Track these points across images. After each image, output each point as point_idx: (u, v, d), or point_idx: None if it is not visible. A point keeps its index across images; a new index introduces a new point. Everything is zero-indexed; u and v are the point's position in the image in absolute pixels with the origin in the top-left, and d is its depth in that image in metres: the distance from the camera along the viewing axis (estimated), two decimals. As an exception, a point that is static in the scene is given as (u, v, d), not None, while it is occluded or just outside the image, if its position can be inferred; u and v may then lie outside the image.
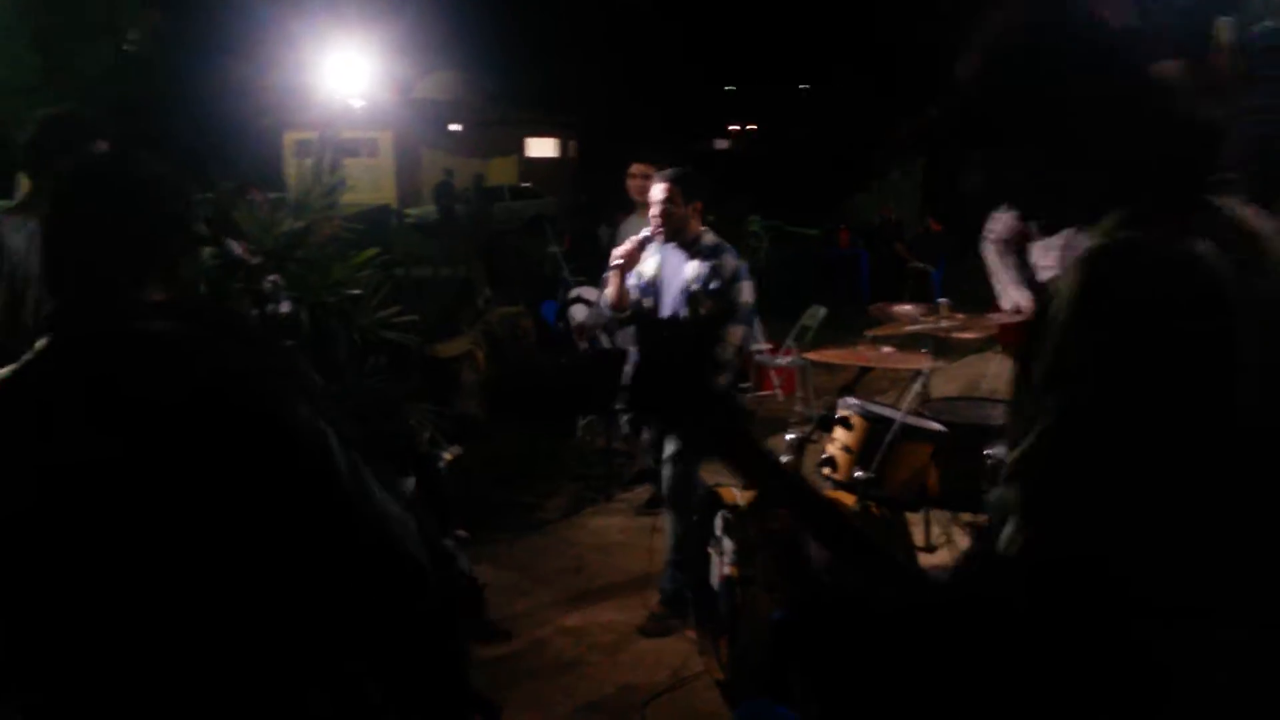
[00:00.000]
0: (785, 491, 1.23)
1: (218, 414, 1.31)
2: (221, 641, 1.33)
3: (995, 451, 3.15)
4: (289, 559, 1.35)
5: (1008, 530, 1.00)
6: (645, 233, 3.93)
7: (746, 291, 3.83)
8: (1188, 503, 0.95)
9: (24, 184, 3.19)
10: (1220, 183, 1.11)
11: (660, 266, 3.96)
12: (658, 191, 3.86)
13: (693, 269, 3.84)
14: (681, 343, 3.80)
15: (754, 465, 1.24)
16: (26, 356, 1.38)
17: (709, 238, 3.90)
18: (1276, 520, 0.99)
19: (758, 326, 5.04)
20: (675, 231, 3.86)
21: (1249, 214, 1.10)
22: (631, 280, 3.99)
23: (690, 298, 3.84)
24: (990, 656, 0.98)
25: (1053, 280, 1.06)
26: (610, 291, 4.03)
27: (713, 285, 3.79)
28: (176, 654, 1.32)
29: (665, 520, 3.97)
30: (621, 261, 3.93)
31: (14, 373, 1.38)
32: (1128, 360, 0.96)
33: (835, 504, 1.27)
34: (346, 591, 1.40)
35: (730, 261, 3.83)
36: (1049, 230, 1.22)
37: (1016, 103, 1.14)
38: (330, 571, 1.38)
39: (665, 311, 3.93)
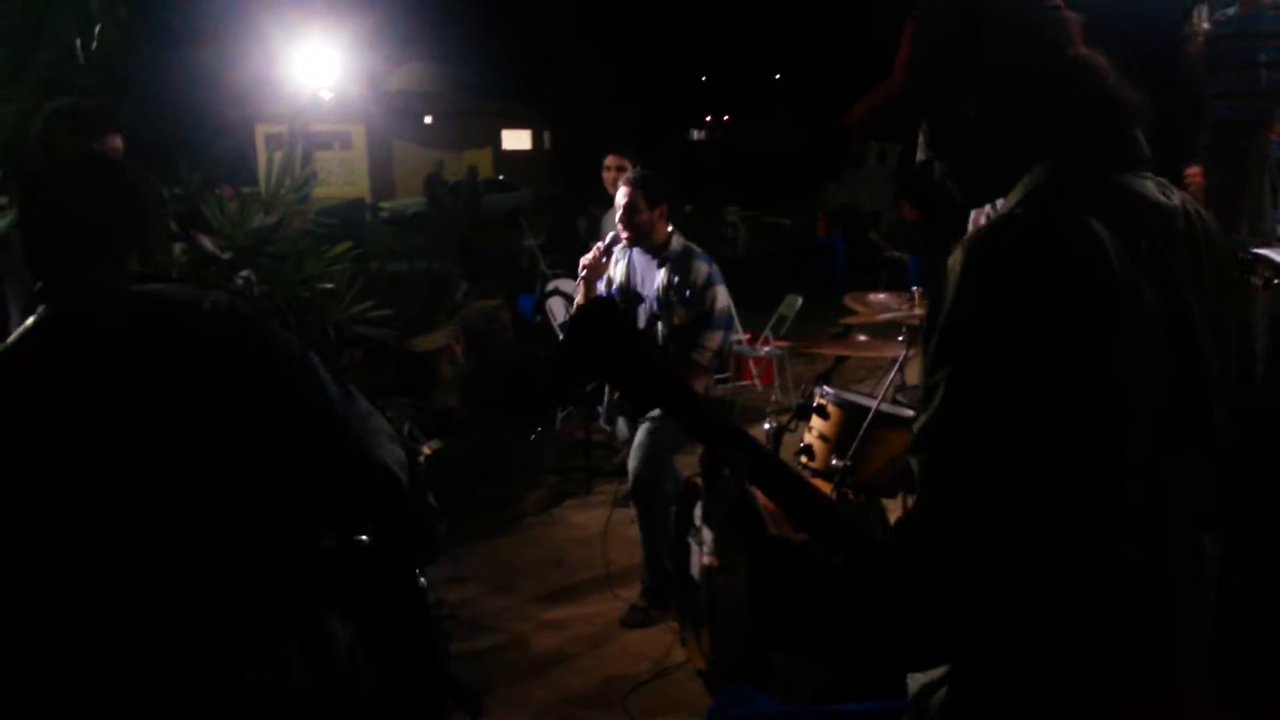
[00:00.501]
0: (723, 440, 1.24)
1: (223, 340, 1.44)
2: (210, 562, 1.41)
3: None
4: (276, 482, 1.46)
5: (914, 499, 1.05)
6: (610, 236, 3.88)
7: (721, 296, 3.80)
8: (1048, 483, 0.97)
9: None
10: (1135, 160, 1.14)
11: (629, 272, 3.94)
12: (620, 196, 3.81)
13: (663, 276, 3.81)
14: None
15: (691, 415, 1.25)
16: (25, 326, 1.50)
17: (677, 242, 3.85)
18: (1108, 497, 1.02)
19: (736, 321, 5.05)
20: (642, 236, 3.82)
21: (1161, 190, 1.13)
22: (601, 286, 3.94)
23: (663, 307, 3.81)
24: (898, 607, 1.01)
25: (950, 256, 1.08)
26: (579, 299, 3.98)
27: (686, 294, 3.77)
28: (169, 574, 1.40)
29: (634, 512, 3.95)
30: (585, 272, 3.86)
31: (19, 336, 1.49)
32: (1002, 336, 0.99)
33: (772, 456, 1.27)
34: (325, 500, 1.52)
35: (702, 267, 3.79)
36: (971, 201, 1.25)
37: (942, 65, 1.18)
38: (313, 483, 1.49)
39: (640, 321, 3.89)
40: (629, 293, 3.93)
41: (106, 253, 1.53)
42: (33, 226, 1.58)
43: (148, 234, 1.58)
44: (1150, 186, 1.13)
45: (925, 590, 0.98)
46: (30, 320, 1.51)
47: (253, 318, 1.49)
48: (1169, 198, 1.14)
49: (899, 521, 1.11)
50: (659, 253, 3.84)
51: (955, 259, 1.04)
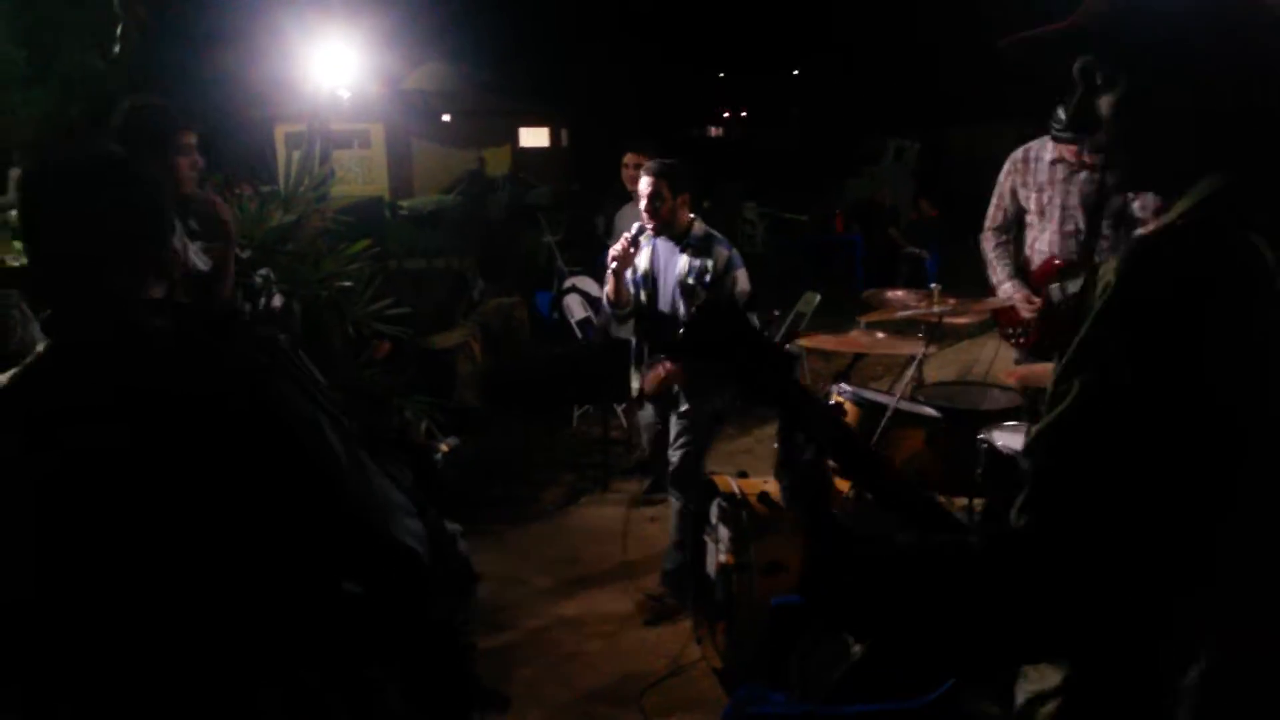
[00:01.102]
0: (828, 431, 1.26)
1: (215, 410, 1.33)
2: (216, 626, 1.35)
3: (988, 435, 3.15)
4: (285, 545, 1.37)
5: (1020, 499, 1.02)
6: (635, 227, 3.93)
7: (742, 280, 3.84)
8: (1182, 506, 0.96)
9: None
10: None
11: (653, 260, 3.98)
12: (644, 185, 3.85)
13: (684, 263, 3.86)
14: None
15: (802, 405, 1.27)
16: (28, 361, 1.38)
17: (699, 229, 3.90)
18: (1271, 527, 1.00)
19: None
20: (665, 224, 3.87)
21: None
22: (627, 275, 4.00)
23: (685, 291, 3.85)
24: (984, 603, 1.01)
25: (1104, 263, 1.06)
26: (609, 290, 4.03)
27: (706, 278, 3.81)
28: (171, 641, 1.33)
29: (672, 499, 3.99)
30: (615, 264, 3.92)
31: (16, 377, 1.38)
32: (1149, 352, 0.97)
33: (871, 449, 1.30)
34: (341, 575, 1.43)
35: (722, 252, 3.84)
36: (1123, 185, 1.21)
37: (1138, 28, 1.11)
38: (325, 556, 1.40)
39: (662, 305, 3.95)
40: (652, 280, 3.98)
41: (124, 270, 1.39)
42: (42, 231, 1.41)
43: (161, 252, 1.44)
44: None
45: (1008, 581, 0.98)
46: (36, 353, 1.39)
47: (268, 379, 1.40)
48: None
49: (986, 510, 1.10)
50: (681, 240, 3.89)
51: (1111, 268, 1.02)
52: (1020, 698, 1.14)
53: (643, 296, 4.00)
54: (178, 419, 1.32)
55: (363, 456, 1.45)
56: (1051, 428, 1.01)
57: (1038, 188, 4.03)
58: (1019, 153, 4.13)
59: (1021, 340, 4.15)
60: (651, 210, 3.83)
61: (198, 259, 3.10)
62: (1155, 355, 0.97)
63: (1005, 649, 1.04)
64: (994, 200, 4.21)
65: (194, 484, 1.32)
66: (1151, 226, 1.08)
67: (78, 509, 1.32)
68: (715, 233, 3.94)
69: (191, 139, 3.07)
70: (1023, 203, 4.10)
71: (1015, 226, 4.22)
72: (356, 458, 1.43)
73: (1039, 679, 1.12)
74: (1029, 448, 1.04)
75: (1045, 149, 4.04)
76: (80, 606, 1.33)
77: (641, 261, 4.00)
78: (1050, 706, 1.09)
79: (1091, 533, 0.97)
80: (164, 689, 1.34)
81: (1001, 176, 4.19)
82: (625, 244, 3.90)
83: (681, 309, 3.88)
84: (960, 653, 1.07)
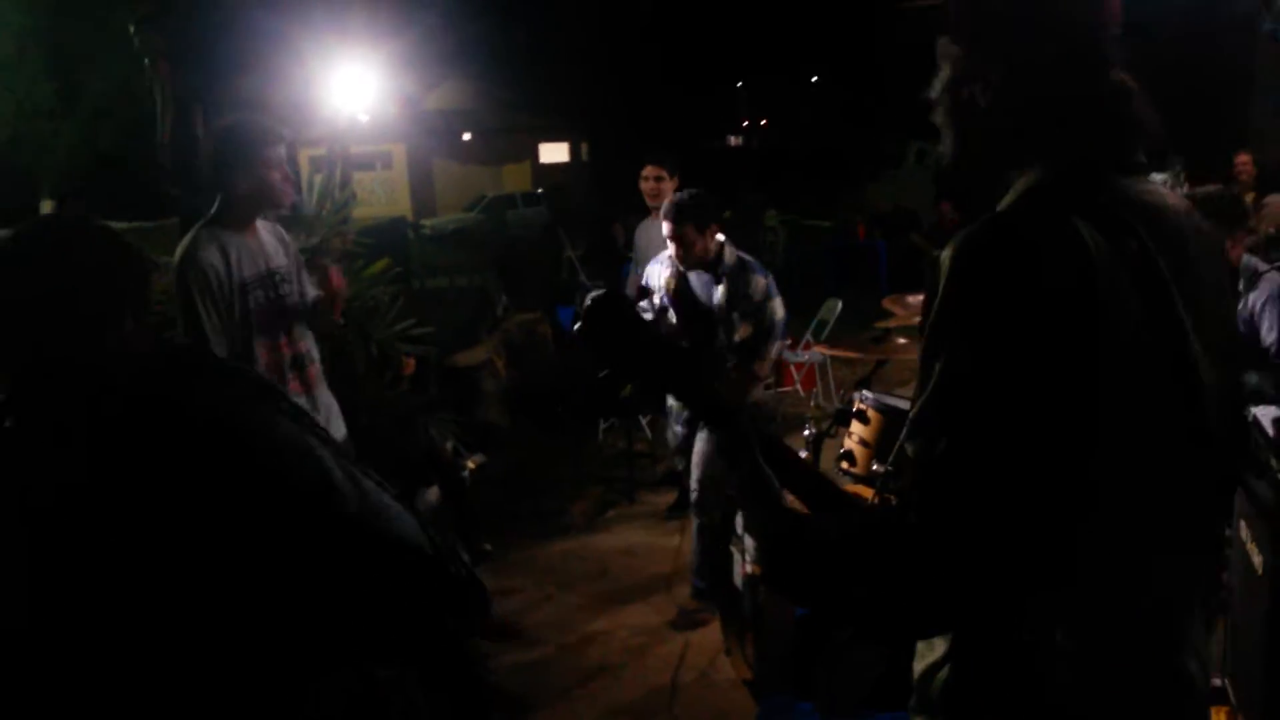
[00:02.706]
0: (731, 420, 1.27)
1: (199, 453, 1.33)
2: (231, 655, 1.35)
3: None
4: (294, 570, 1.37)
5: (907, 481, 1.09)
6: (640, 288, 4.02)
7: (778, 308, 3.86)
8: (1041, 492, 1.01)
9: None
10: (1135, 165, 1.16)
11: (683, 287, 3.96)
12: (666, 229, 3.83)
13: (721, 293, 3.84)
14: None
15: (699, 397, 1.28)
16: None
17: (730, 255, 3.88)
18: (1122, 500, 1.05)
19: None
20: (698, 260, 3.85)
21: (1159, 193, 1.16)
22: (657, 298, 4.02)
23: (724, 322, 3.85)
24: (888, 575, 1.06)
25: (946, 247, 1.10)
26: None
27: (746, 309, 3.81)
28: (179, 676, 1.33)
29: (692, 516, 4.00)
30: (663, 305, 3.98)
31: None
32: (984, 334, 1.02)
33: (775, 438, 1.30)
34: (356, 592, 1.42)
35: (760, 282, 3.83)
36: (953, 169, 1.25)
37: (969, 9, 1.18)
38: (335, 575, 1.40)
39: (695, 333, 3.92)
40: (688, 304, 3.96)
41: (73, 336, 1.39)
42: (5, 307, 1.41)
43: (129, 314, 1.44)
44: (1146, 189, 1.15)
45: (915, 561, 1.03)
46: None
47: (237, 412, 1.40)
48: (1164, 200, 1.15)
49: (898, 502, 1.14)
50: (714, 269, 3.87)
51: (946, 254, 1.07)
52: (917, 669, 1.19)
53: (672, 318, 4.00)
54: (136, 493, 1.31)
55: (355, 471, 1.45)
56: (923, 412, 1.07)
57: None
58: None
59: None
60: (682, 255, 3.82)
61: (309, 286, 3.20)
62: (989, 343, 1.02)
63: (905, 619, 1.10)
64: None
65: (180, 520, 1.32)
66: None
67: (58, 595, 1.32)
68: (747, 258, 3.92)
69: (281, 151, 3.08)
70: None
71: None
72: (352, 474, 1.43)
73: (928, 652, 1.17)
74: (909, 429, 1.08)
75: None
76: (73, 653, 1.32)
77: (670, 280, 3.98)
78: (943, 674, 1.14)
79: (963, 517, 1.01)
80: None
81: None
82: (642, 289, 4.01)
83: (722, 337, 3.87)
84: (872, 621, 1.13)
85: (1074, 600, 1.06)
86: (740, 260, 3.88)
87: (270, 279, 3.07)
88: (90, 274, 1.42)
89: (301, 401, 3.03)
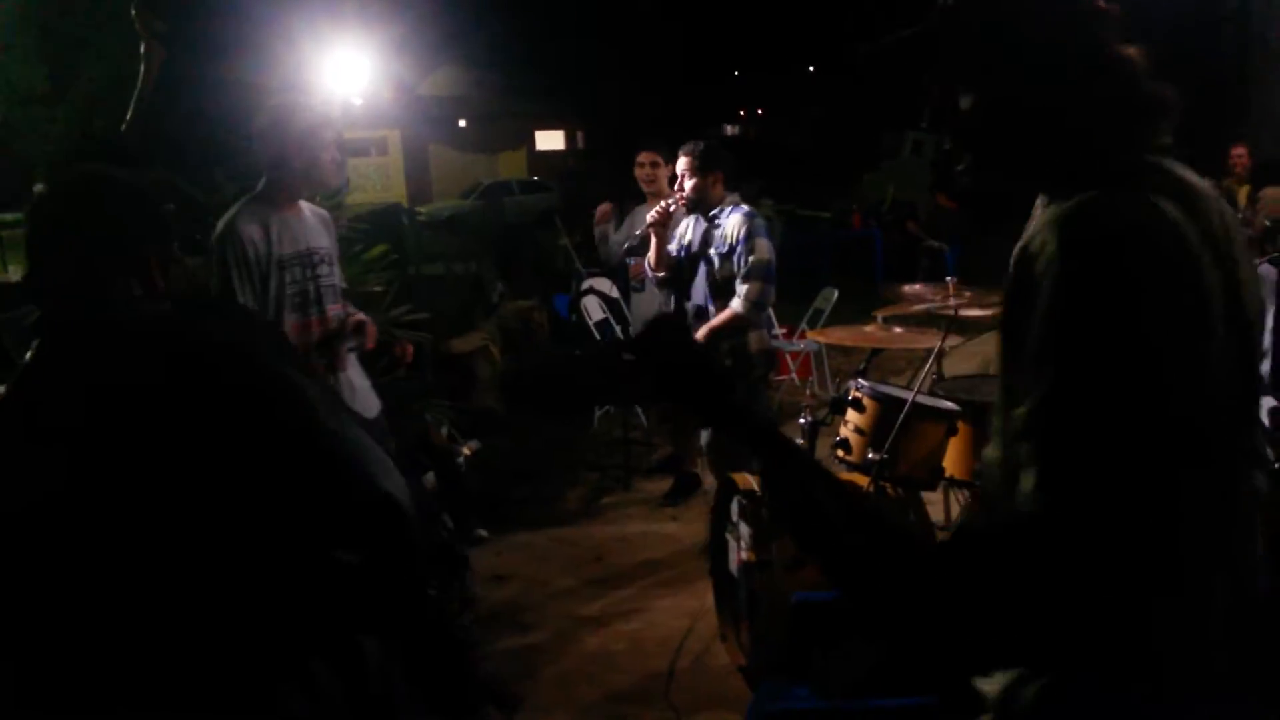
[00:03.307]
0: (777, 451, 1.23)
1: (199, 379, 1.44)
2: (214, 599, 1.40)
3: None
4: (276, 502, 1.44)
5: (1028, 483, 1.03)
6: (669, 203, 4.22)
7: (760, 249, 4.02)
8: (1168, 470, 1.01)
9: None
10: (1166, 148, 1.16)
11: (692, 233, 4.25)
12: (680, 165, 4.13)
13: (711, 234, 4.13)
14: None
15: (744, 430, 1.24)
16: (29, 354, 1.50)
17: (730, 201, 4.15)
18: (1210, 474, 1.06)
19: (771, 315, 5.10)
20: (696, 202, 4.12)
21: (1188, 174, 1.16)
22: (672, 246, 4.29)
23: (706, 262, 4.12)
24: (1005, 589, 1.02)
25: (1030, 236, 1.09)
26: (651, 255, 4.32)
27: (724, 248, 4.06)
28: (170, 611, 1.39)
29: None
30: (655, 222, 4.21)
31: (14, 377, 1.49)
32: (1114, 317, 1.00)
33: (823, 469, 1.26)
34: (330, 531, 1.48)
35: (737, 219, 4.05)
36: (992, 179, 1.25)
37: (980, 47, 1.18)
38: (314, 512, 1.47)
39: (697, 278, 4.21)
40: (693, 255, 4.23)
41: (96, 279, 1.51)
42: (28, 251, 1.58)
43: (146, 257, 1.55)
44: (1180, 170, 1.15)
45: (1032, 560, 1.00)
46: (29, 355, 1.52)
47: (233, 348, 1.50)
48: (1196, 179, 1.16)
49: (987, 504, 1.12)
50: (714, 216, 4.15)
51: (1046, 243, 1.05)
52: (993, 687, 1.14)
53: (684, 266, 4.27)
54: (148, 401, 1.41)
55: (347, 418, 1.53)
56: (1044, 404, 1.03)
57: None
58: None
59: None
60: (681, 188, 4.11)
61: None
62: (1123, 334, 1.00)
63: (1020, 631, 1.05)
64: None
65: (174, 460, 1.40)
66: (1052, 212, 1.11)
67: (68, 498, 1.40)
68: (744, 206, 4.15)
69: (330, 135, 3.17)
70: None
71: None
72: (339, 417, 1.50)
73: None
74: (1025, 430, 1.05)
75: None
76: (76, 592, 1.39)
77: (687, 233, 4.27)
78: (1034, 687, 1.10)
79: (1104, 507, 0.99)
80: (171, 677, 1.39)
81: None
82: (663, 209, 4.19)
83: (702, 280, 4.15)
84: (983, 640, 1.07)
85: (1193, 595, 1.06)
86: (735, 207, 4.14)
87: (309, 258, 3.15)
88: (113, 222, 1.54)
89: (329, 381, 3.13)
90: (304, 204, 3.21)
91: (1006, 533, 1.04)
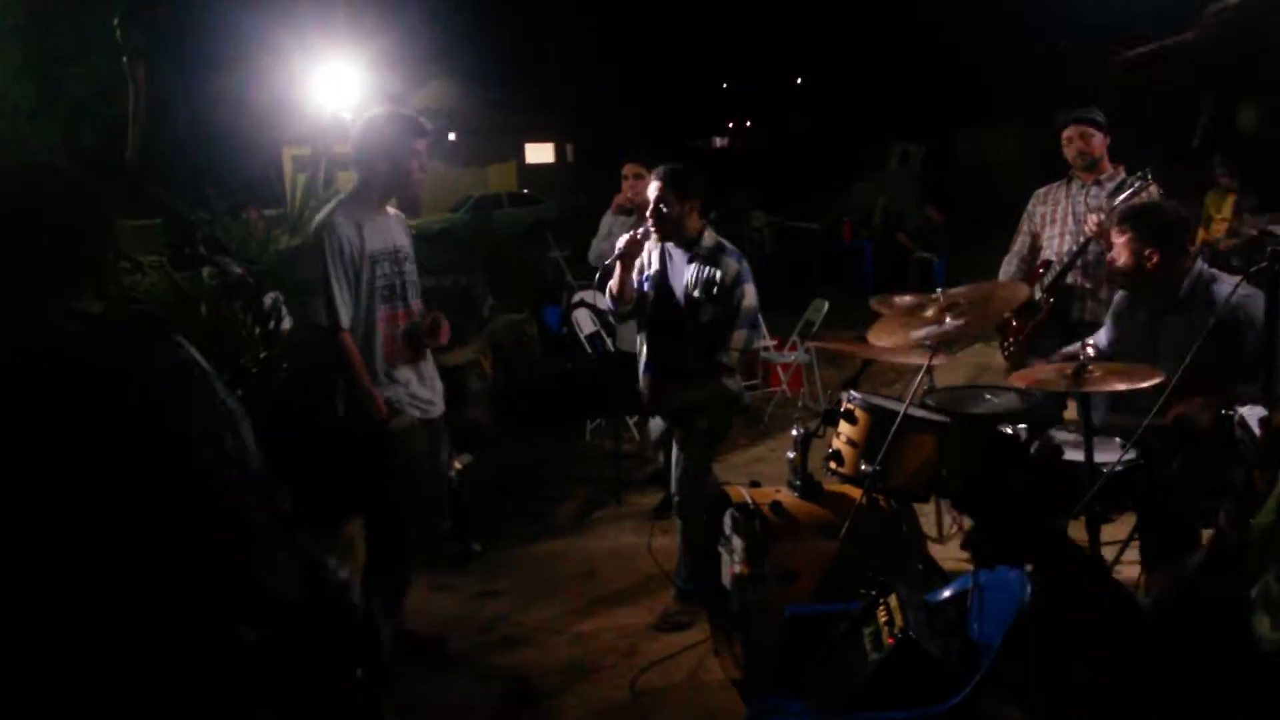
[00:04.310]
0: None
1: (92, 414, 1.32)
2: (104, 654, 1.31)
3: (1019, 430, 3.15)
4: (149, 556, 1.33)
5: (1265, 626, 1.01)
6: (643, 229, 3.89)
7: (749, 295, 3.82)
8: None
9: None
10: None
11: (664, 264, 3.95)
12: (651, 190, 3.84)
13: (692, 272, 3.84)
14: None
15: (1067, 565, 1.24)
16: None
17: (709, 238, 3.88)
18: None
19: (761, 323, 5.05)
20: (673, 230, 3.84)
21: None
22: (635, 276, 3.96)
23: (691, 303, 3.83)
24: None
25: (1243, 302, 1.04)
26: (614, 284, 3.99)
27: (714, 291, 3.78)
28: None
29: (676, 519, 3.98)
30: (625, 252, 3.87)
31: None
32: None
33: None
34: (224, 602, 1.36)
35: (731, 264, 3.81)
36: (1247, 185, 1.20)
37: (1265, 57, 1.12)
38: (199, 589, 1.34)
39: (667, 312, 3.92)
40: (663, 286, 3.94)
41: (36, 288, 1.39)
42: None
43: (100, 260, 1.45)
44: None
45: None
46: None
47: (137, 383, 1.36)
48: None
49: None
50: (691, 247, 3.86)
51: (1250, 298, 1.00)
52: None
53: (650, 298, 3.97)
54: (36, 436, 1.31)
55: (252, 475, 1.40)
56: None
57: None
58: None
59: (1008, 355, 4.62)
60: (656, 216, 3.81)
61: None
62: None
63: None
64: None
65: (56, 498, 1.30)
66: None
67: None
68: (726, 243, 3.91)
69: (422, 145, 3.46)
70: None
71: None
72: (237, 484, 1.38)
73: None
74: (1265, 555, 1.02)
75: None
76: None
77: (652, 263, 3.97)
78: None
79: None
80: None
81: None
82: (634, 236, 3.86)
83: (687, 321, 3.84)
84: None
85: None
86: (718, 243, 3.87)
87: (395, 254, 3.45)
88: (74, 212, 1.43)
89: (408, 371, 3.48)
90: (387, 207, 3.50)
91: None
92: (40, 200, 1.44)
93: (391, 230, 3.48)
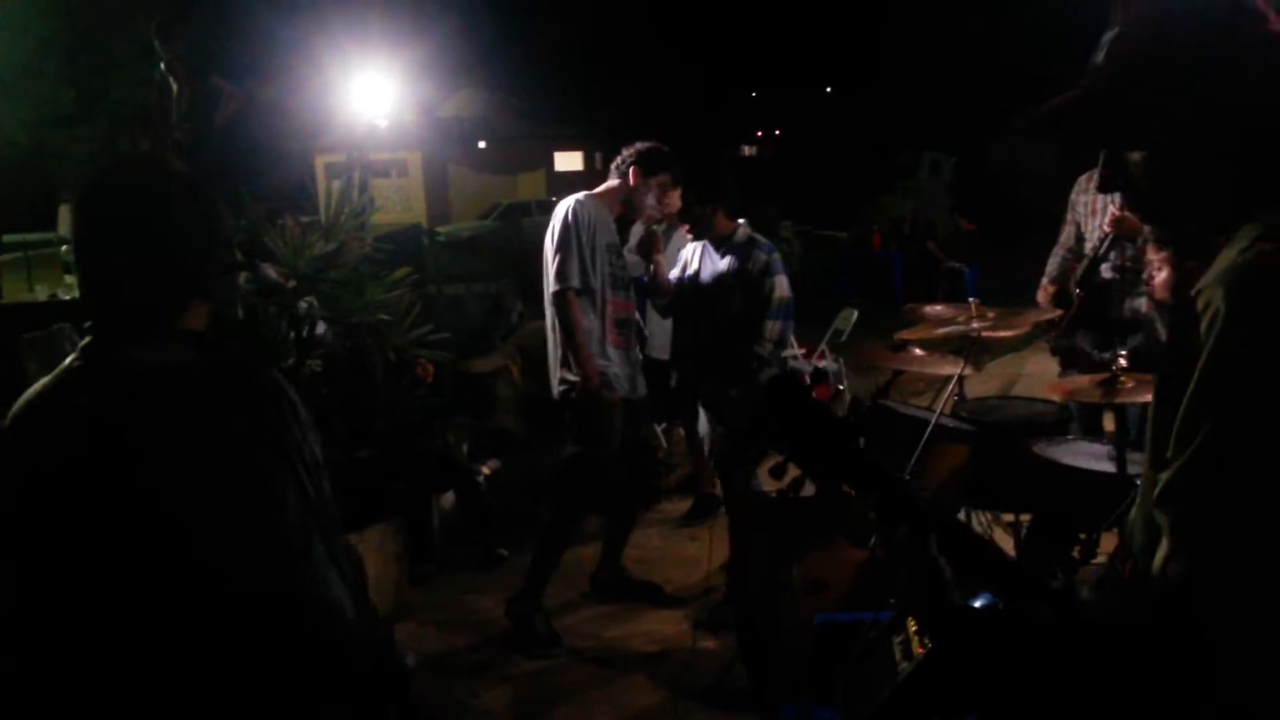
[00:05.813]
0: (915, 514, 1.24)
1: (164, 451, 1.26)
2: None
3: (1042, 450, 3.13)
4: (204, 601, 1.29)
5: (1161, 554, 1.01)
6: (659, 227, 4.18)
7: (780, 286, 3.93)
8: None
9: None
10: None
11: (700, 261, 4.12)
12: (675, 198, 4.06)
13: (724, 264, 4.00)
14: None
15: (883, 492, 1.26)
16: (59, 371, 1.34)
17: (742, 234, 4.03)
18: None
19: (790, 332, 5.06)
20: (703, 229, 4.04)
21: None
22: (675, 272, 4.19)
23: (721, 290, 3.98)
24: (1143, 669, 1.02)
25: (1199, 291, 1.04)
26: (661, 275, 4.19)
27: (744, 279, 3.93)
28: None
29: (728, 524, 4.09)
30: (643, 240, 4.14)
31: (43, 389, 1.35)
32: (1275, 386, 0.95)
33: (963, 526, 1.29)
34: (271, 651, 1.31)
35: (760, 256, 3.95)
36: (1168, 240, 1.23)
37: (1147, 111, 1.13)
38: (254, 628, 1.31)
39: (701, 307, 4.07)
40: (697, 279, 4.10)
41: (151, 304, 1.32)
42: (84, 244, 1.34)
43: (216, 269, 1.37)
44: None
45: (1180, 632, 0.97)
46: (55, 375, 1.33)
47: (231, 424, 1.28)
48: None
49: (1134, 575, 1.08)
50: (723, 243, 4.04)
51: (1213, 298, 1.00)
52: None
53: (687, 290, 4.14)
54: (127, 454, 1.26)
55: (318, 532, 1.33)
56: (1186, 472, 0.99)
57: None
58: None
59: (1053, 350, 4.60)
60: (682, 217, 4.09)
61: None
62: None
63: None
64: None
65: (138, 527, 1.27)
66: (1227, 256, 1.05)
67: (36, 535, 1.29)
68: (759, 238, 4.06)
69: (668, 179, 3.92)
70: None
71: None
72: (307, 530, 1.31)
73: None
74: (1162, 496, 1.01)
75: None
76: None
77: (694, 261, 4.14)
78: None
79: (1248, 574, 0.95)
80: None
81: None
82: (649, 227, 4.10)
83: (717, 312, 4.00)
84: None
85: None
86: (750, 238, 4.03)
87: (617, 249, 3.92)
88: (180, 218, 1.33)
89: (622, 353, 3.89)
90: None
91: (1153, 611, 1.02)
92: (169, 200, 1.33)
93: (612, 229, 3.94)
